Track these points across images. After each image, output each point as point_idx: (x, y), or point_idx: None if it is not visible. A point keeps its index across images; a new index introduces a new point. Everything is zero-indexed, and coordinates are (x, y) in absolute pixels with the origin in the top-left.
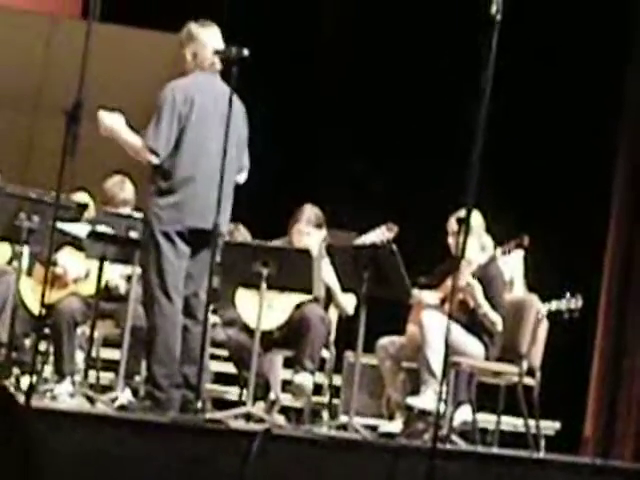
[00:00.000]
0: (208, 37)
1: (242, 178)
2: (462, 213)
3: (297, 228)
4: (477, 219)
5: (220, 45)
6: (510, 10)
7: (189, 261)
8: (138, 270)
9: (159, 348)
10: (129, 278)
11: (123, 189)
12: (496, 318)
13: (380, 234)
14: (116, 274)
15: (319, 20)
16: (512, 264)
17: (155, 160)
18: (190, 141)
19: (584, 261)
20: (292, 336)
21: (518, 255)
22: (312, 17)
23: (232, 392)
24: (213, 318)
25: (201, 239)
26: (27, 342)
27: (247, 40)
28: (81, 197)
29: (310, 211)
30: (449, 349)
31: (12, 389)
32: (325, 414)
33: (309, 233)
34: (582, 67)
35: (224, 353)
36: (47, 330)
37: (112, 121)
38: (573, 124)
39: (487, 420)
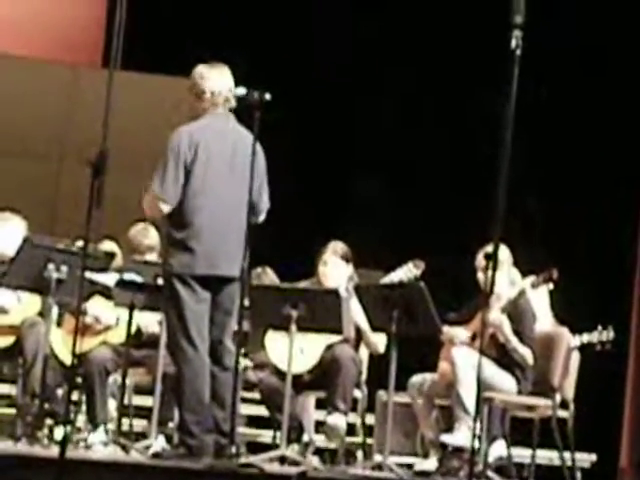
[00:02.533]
0: (217, 78)
1: (260, 219)
2: (490, 248)
3: (323, 259)
4: (505, 253)
5: (230, 85)
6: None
7: (210, 307)
8: None
9: (188, 396)
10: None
11: (147, 236)
12: (526, 352)
13: (407, 271)
14: (151, 320)
15: (343, 58)
16: (537, 298)
17: (166, 208)
18: (196, 188)
19: (614, 293)
20: (324, 377)
21: (543, 288)
22: (334, 55)
23: (265, 435)
24: (244, 362)
25: (217, 285)
26: (59, 392)
27: (269, 84)
28: (108, 246)
29: (336, 244)
30: (481, 385)
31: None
32: (359, 454)
33: (334, 264)
34: (607, 98)
35: (256, 396)
36: (79, 380)
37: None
38: (600, 156)
39: (522, 454)
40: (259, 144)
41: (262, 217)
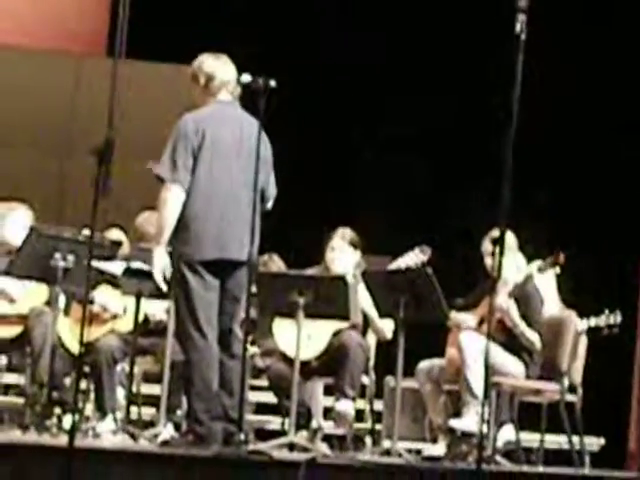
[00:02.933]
0: (220, 67)
1: (268, 206)
2: (496, 233)
3: (330, 245)
4: (510, 238)
5: (232, 72)
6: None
7: (219, 295)
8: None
9: (197, 383)
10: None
11: (153, 224)
12: (533, 337)
13: (414, 257)
14: (158, 308)
15: (345, 50)
16: (545, 282)
17: (181, 194)
18: (203, 174)
19: (622, 276)
20: (331, 364)
21: (550, 272)
22: (338, 47)
23: (274, 422)
24: (251, 349)
25: (226, 271)
26: (67, 381)
27: (274, 71)
28: (115, 234)
29: (343, 230)
30: (489, 370)
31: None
32: (368, 440)
33: (342, 249)
34: (614, 84)
35: (264, 383)
36: (87, 368)
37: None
38: (606, 139)
39: (531, 439)
40: (265, 131)
41: (270, 204)
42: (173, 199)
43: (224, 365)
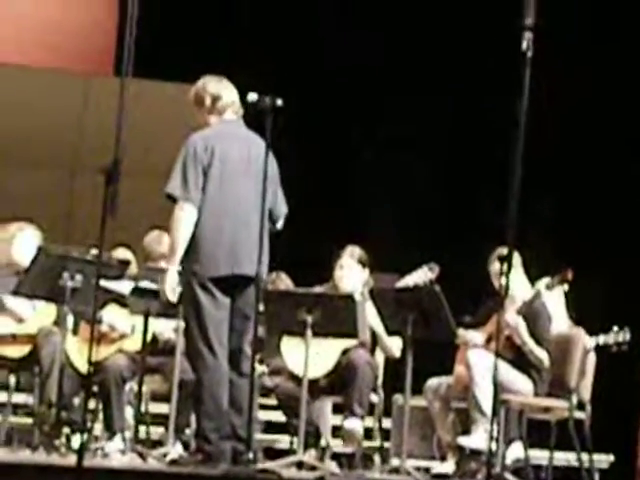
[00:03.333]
0: (224, 88)
1: (279, 225)
2: (503, 251)
3: (339, 263)
4: (516, 257)
5: (234, 92)
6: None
7: (230, 314)
8: (182, 324)
9: (206, 402)
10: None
11: (161, 243)
12: (542, 354)
13: (422, 275)
14: (167, 327)
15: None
16: (553, 299)
17: (193, 211)
18: (213, 191)
19: (630, 293)
20: (340, 382)
21: (559, 290)
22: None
23: (282, 440)
24: (259, 368)
25: (237, 288)
26: (76, 401)
27: (279, 90)
28: (122, 253)
29: (352, 248)
30: (498, 387)
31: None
32: (377, 458)
33: (351, 267)
34: (621, 97)
35: (272, 402)
36: (95, 388)
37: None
38: (614, 156)
39: (540, 456)
40: (271, 150)
41: (281, 224)
42: (187, 217)
43: (234, 384)
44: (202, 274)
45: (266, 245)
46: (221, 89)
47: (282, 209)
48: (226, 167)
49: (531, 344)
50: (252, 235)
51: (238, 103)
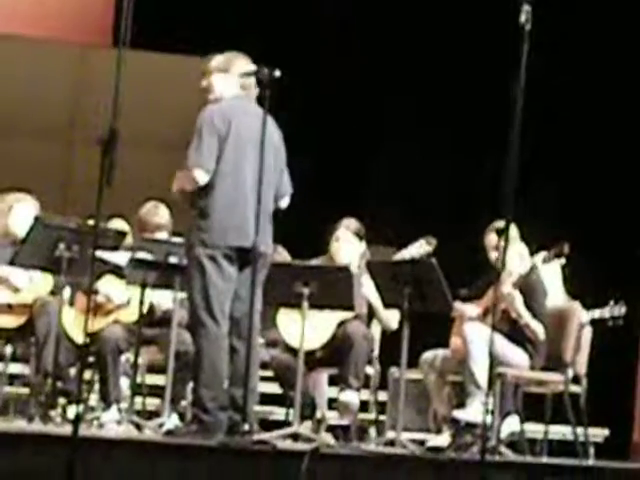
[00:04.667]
0: (245, 64)
1: (284, 203)
2: (499, 224)
3: (335, 235)
4: (513, 230)
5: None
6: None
7: (237, 282)
8: (180, 295)
9: (206, 371)
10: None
11: (157, 214)
12: (538, 327)
13: (419, 248)
14: (165, 298)
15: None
16: (550, 273)
17: (204, 177)
18: (229, 162)
19: (626, 267)
20: (336, 354)
21: (555, 263)
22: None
23: (278, 412)
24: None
25: (244, 260)
26: (72, 371)
27: (281, 62)
28: (118, 224)
29: (348, 220)
30: (493, 360)
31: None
32: (372, 431)
33: (347, 240)
34: (620, 76)
35: (268, 373)
36: (91, 359)
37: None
38: (613, 131)
39: (535, 430)
40: (279, 129)
41: (285, 201)
42: (190, 182)
43: (237, 353)
44: (211, 244)
45: (270, 220)
46: (244, 65)
47: (287, 188)
48: (242, 140)
49: (527, 317)
50: (262, 211)
51: (255, 80)
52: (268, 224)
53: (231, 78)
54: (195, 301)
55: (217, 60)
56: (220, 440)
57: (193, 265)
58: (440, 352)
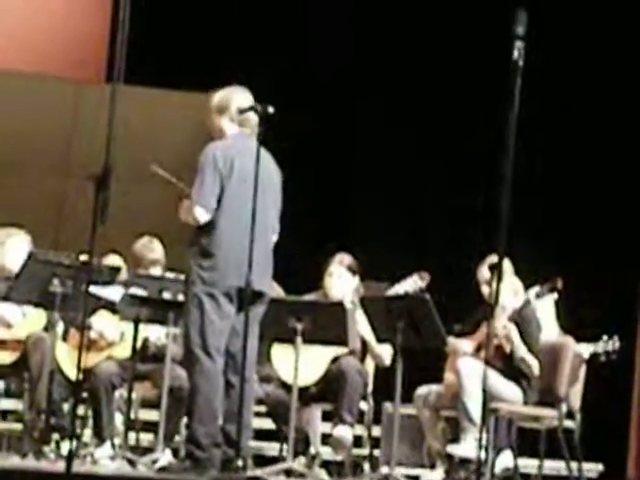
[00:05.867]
0: (236, 100)
1: (274, 239)
2: (493, 259)
3: (329, 271)
4: (507, 264)
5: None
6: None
7: (235, 318)
8: (173, 330)
9: (200, 407)
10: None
11: (152, 249)
12: (533, 362)
13: (412, 283)
14: (162, 333)
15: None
16: (543, 308)
17: (205, 216)
18: (231, 201)
19: (620, 302)
20: (330, 390)
21: (549, 298)
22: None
23: (272, 448)
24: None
25: (243, 300)
26: (65, 407)
27: (273, 97)
28: (113, 260)
29: (341, 255)
30: (487, 395)
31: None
32: (366, 466)
33: (340, 275)
34: (615, 99)
35: (262, 409)
36: (85, 394)
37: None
38: (608, 162)
39: (529, 465)
40: (277, 166)
41: (275, 238)
42: (193, 219)
43: (234, 388)
44: (211, 282)
45: (268, 257)
46: (243, 100)
47: (276, 227)
48: (244, 182)
49: (523, 350)
50: (261, 251)
51: (257, 118)
52: (269, 264)
53: (230, 115)
54: (191, 337)
55: (216, 98)
56: (213, 476)
57: (191, 301)
58: (434, 387)
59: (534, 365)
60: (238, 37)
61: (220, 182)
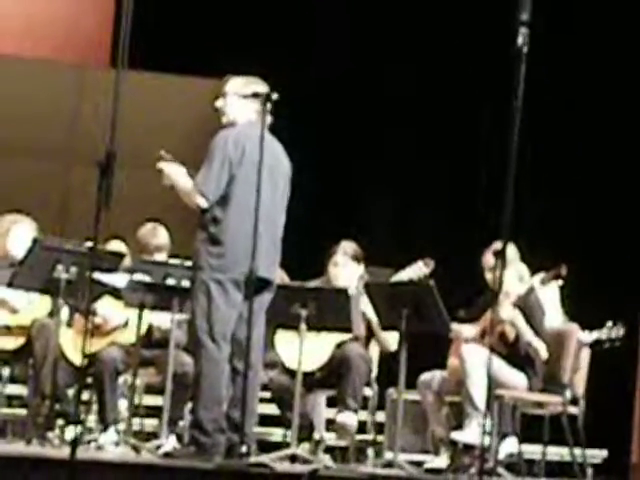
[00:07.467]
0: (255, 89)
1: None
2: (498, 246)
3: (333, 260)
4: (512, 250)
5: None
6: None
7: (242, 305)
8: (177, 316)
9: (205, 393)
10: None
11: (156, 235)
12: (540, 345)
13: (417, 269)
14: (166, 318)
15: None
16: (547, 295)
17: (204, 204)
18: (241, 188)
19: (624, 289)
20: (334, 376)
21: (553, 285)
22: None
23: (276, 433)
24: None
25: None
26: (70, 393)
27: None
28: (116, 245)
29: (346, 243)
30: (491, 382)
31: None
32: (370, 452)
33: (345, 264)
34: (617, 93)
35: (266, 395)
36: (89, 380)
37: (170, 169)
38: (611, 151)
39: (533, 451)
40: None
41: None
42: (191, 201)
43: (240, 374)
44: (220, 269)
45: (277, 244)
46: (261, 90)
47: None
48: (254, 169)
49: (529, 335)
50: (270, 239)
51: (270, 106)
52: (277, 253)
53: (248, 103)
54: (197, 323)
55: (235, 82)
56: (218, 462)
57: (199, 288)
58: (438, 373)
59: (541, 348)
60: (243, 23)
61: (229, 169)
